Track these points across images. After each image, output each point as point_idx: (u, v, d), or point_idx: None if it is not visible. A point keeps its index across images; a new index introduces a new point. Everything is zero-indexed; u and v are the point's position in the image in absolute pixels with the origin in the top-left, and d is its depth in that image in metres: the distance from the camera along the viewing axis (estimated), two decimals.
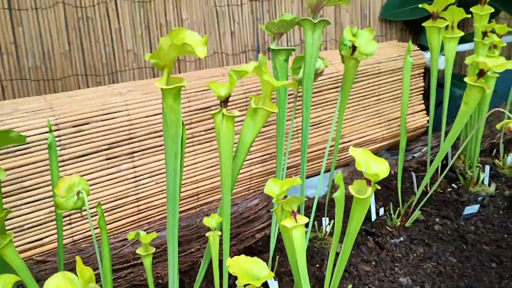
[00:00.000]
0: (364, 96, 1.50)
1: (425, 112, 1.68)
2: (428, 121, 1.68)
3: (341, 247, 1.24)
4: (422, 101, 1.66)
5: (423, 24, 1.27)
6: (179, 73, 1.46)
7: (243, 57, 1.59)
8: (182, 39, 0.82)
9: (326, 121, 1.43)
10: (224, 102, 0.86)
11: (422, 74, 1.63)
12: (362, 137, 1.51)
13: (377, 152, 1.60)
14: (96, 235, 1.11)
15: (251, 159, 1.33)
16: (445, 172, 1.26)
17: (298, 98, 1.31)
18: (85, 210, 0.86)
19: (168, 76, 0.83)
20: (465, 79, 1.09)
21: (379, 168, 0.81)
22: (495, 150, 1.69)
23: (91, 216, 1.14)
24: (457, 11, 1.24)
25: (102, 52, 1.36)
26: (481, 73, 1.08)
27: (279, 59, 1.05)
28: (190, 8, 1.43)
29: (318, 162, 1.46)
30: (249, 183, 1.34)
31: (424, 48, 1.74)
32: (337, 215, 0.89)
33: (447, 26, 1.27)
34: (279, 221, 0.90)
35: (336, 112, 1.16)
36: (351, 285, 1.11)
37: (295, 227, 0.85)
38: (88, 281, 0.64)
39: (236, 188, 1.33)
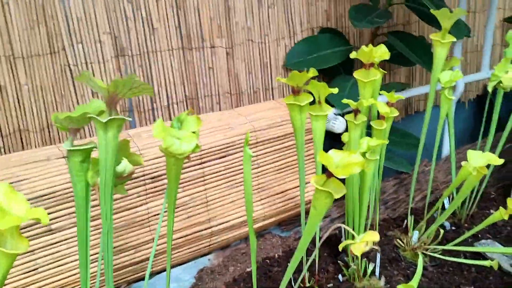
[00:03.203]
0: (240, 170, 1.29)
1: None
2: None
3: None
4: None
5: (283, 100, 1.06)
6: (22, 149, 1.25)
7: None
8: None
9: (190, 202, 1.22)
10: None
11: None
12: (239, 218, 1.30)
13: (262, 230, 1.39)
14: None
15: (93, 254, 1.12)
16: (307, 266, 1.05)
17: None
18: None
19: None
20: (311, 180, 0.89)
21: None
22: (406, 221, 1.49)
23: None
24: (321, 86, 1.04)
25: None
26: (329, 174, 0.88)
27: (74, 161, 0.84)
28: (30, 70, 1.22)
29: (184, 249, 1.25)
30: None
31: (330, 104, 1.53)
32: None
33: (314, 101, 1.08)
34: None
35: (164, 206, 0.96)
36: None
37: None
38: None
39: None
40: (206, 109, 1.54)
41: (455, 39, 1.27)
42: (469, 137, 2.16)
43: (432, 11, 1.26)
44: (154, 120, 1.45)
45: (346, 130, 1.45)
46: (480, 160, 1.12)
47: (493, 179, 1.81)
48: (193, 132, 0.90)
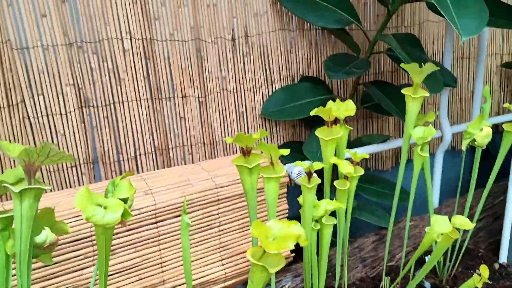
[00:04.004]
0: (200, 228, 1.23)
1: None
2: (291, 251, 1.41)
3: None
4: None
5: (232, 161, 1.01)
6: None
7: (73, 173, 1.35)
8: None
9: (142, 263, 1.17)
10: None
11: (286, 194, 1.37)
12: (198, 279, 1.24)
13: None
14: None
15: None
16: None
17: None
18: None
19: None
20: (247, 252, 0.83)
21: None
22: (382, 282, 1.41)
23: None
24: (271, 147, 0.99)
25: None
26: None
27: None
28: None
29: None
30: None
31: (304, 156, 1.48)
32: None
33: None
34: None
35: (95, 275, 0.91)
36: None
37: None
38: None
39: None
40: (178, 160, 1.50)
41: (427, 94, 1.22)
42: (465, 186, 2.07)
43: (402, 65, 1.21)
44: (121, 172, 1.41)
45: None
46: (446, 226, 1.05)
47: (485, 234, 1.72)
48: (124, 199, 0.85)
